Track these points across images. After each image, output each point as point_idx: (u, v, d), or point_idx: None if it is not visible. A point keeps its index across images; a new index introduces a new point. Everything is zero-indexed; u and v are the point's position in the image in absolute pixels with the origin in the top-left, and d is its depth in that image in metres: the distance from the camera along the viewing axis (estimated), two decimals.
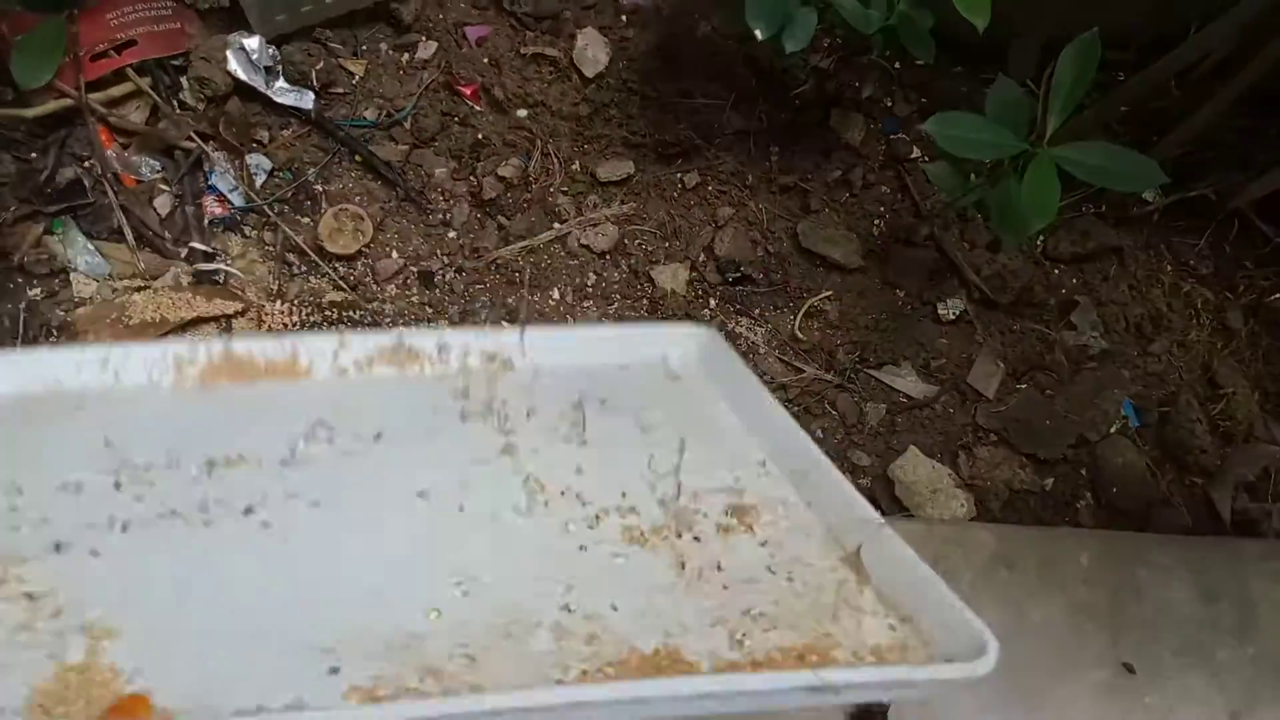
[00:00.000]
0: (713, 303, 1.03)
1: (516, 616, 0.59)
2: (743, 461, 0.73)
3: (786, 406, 1.01)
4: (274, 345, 0.78)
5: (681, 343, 0.82)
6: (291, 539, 0.63)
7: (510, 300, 0.98)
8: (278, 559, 0.63)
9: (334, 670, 0.53)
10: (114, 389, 0.75)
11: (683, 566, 0.64)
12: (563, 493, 0.68)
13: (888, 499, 0.99)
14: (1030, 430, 1.04)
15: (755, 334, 1.03)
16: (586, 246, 1.01)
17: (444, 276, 0.98)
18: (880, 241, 1.09)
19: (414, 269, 0.98)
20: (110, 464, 0.67)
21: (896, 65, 1.16)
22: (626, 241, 1.02)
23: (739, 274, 1.03)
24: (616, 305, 1.01)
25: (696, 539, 0.66)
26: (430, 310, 0.97)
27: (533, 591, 0.60)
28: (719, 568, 0.65)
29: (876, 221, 1.10)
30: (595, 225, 1.01)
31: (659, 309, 1.00)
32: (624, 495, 0.69)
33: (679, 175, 1.06)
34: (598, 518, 0.68)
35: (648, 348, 0.80)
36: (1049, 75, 0.92)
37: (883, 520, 0.68)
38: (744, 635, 0.60)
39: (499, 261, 0.99)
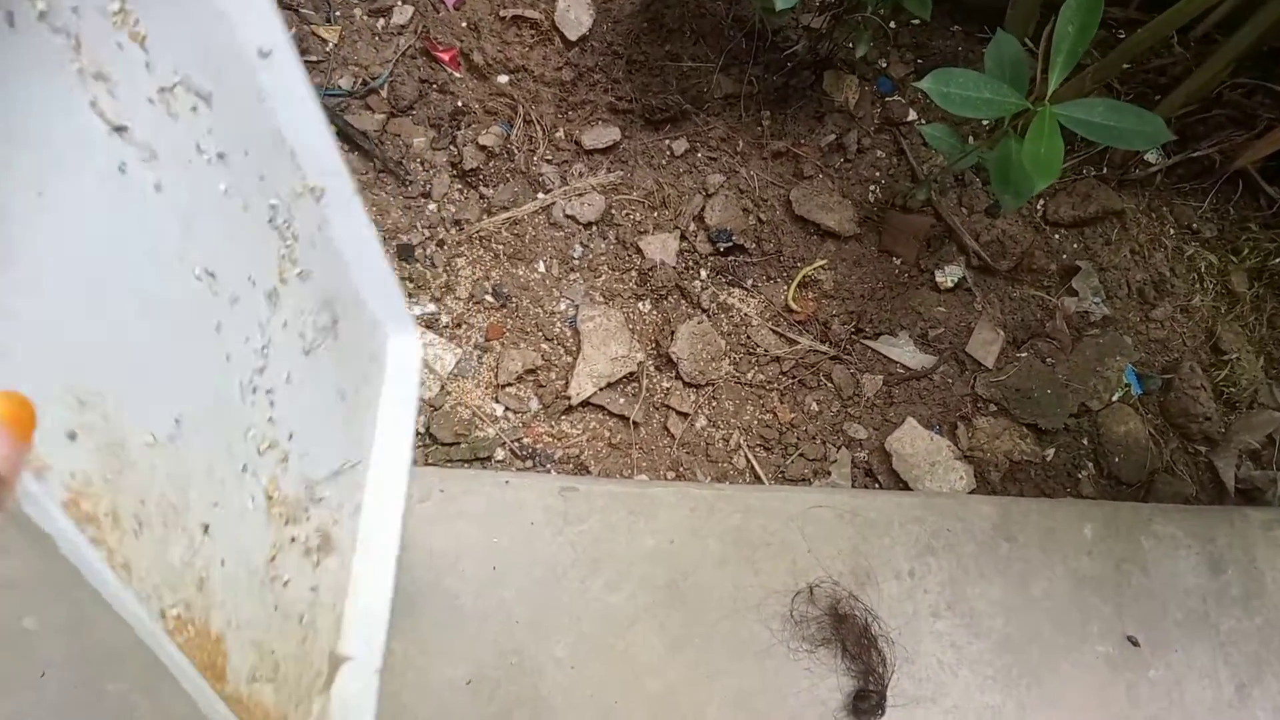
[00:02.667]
0: (703, 274, 1.00)
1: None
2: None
3: (776, 386, 0.98)
4: None
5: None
6: None
7: (494, 275, 0.95)
8: None
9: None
10: None
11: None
12: (270, 390, 0.63)
13: (886, 472, 0.96)
14: (1031, 399, 1.01)
15: (748, 305, 1.00)
16: (572, 217, 0.97)
17: (424, 250, 0.95)
18: (876, 208, 1.05)
19: (393, 243, 0.95)
20: None
21: (892, 24, 1.12)
22: (614, 211, 0.99)
23: (730, 243, 1.00)
24: (604, 278, 0.97)
25: (292, 540, 0.63)
26: (410, 285, 0.93)
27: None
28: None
29: (872, 187, 1.06)
30: (581, 195, 0.98)
31: (648, 280, 0.97)
32: (290, 438, 0.64)
33: (667, 142, 1.02)
34: (270, 445, 0.63)
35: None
36: (1049, 33, 0.88)
37: None
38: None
39: (481, 233, 0.96)
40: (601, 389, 0.92)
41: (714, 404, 0.96)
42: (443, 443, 0.87)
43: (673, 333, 0.95)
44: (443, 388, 0.90)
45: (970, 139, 0.94)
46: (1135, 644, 0.83)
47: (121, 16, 0.50)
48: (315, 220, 0.73)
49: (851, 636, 0.77)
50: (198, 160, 0.57)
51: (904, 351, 1.02)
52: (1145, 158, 1.17)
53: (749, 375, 0.98)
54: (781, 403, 0.99)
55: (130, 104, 0.50)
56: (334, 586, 0.66)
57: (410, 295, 0.93)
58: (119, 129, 0.49)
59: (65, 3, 0.46)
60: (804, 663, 0.77)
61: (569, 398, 0.91)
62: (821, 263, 1.02)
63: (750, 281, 1.01)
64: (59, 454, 0.43)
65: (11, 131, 0.43)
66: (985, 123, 1.09)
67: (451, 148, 0.97)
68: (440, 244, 0.95)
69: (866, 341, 1.01)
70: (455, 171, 0.97)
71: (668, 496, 0.79)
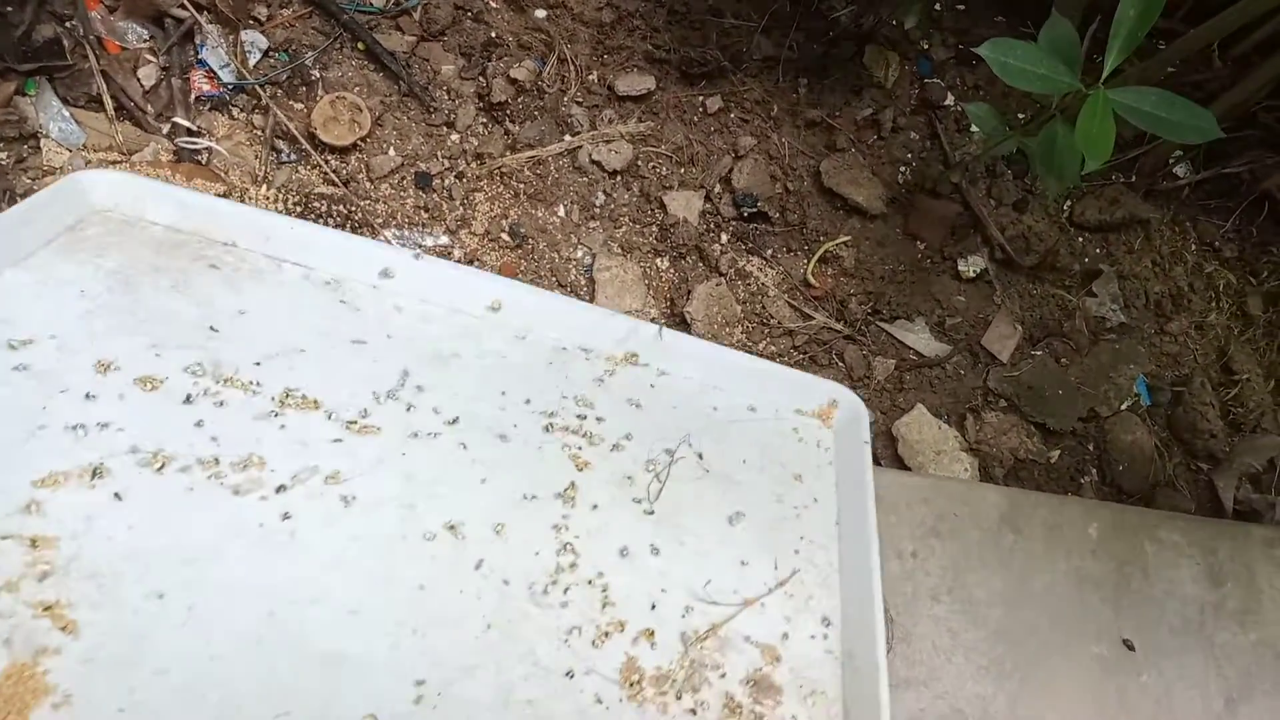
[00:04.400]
0: (724, 238, 0.98)
1: None
2: (808, 611, 0.69)
3: (786, 360, 0.96)
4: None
5: (820, 404, 0.78)
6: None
7: (512, 213, 0.92)
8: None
9: None
10: None
11: None
12: (591, 581, 0.64)
13: (890, 457, 0.94)
14: (1042, 398, 1.00)
15: (766, 275, 0.98)
16: (598, 163, 0.95)
17: (443, 180, 0.92)
18: (904, 189, 1.03)
19: (411, 169, 0.91)
20: None
21: (937, 5, 1.10)
22: (640, 163, 0.96)
23: (755, 209, 0.97)
24: (624, 229, 0.95)
25: (693, 711, 0.61)
26: (425, 214, 0.90)
27: None
28: None
29: (902, 168, 1.04)
30: (609, 142, 0.95)
31: (669, 237, 0.94)
32: (653, 608, 0.65)
33: (701, 98, 1.00)
34: (607, 633, 0.63)
35: (784, 397, 0.77)
36: (1093, 31, 0.87)
37: None
38: None
39: (503, 169, 0.93)
40: None
41: None
42: None
43: (689, 292, 0.92)
44: None
45: (1007, 129, 0.92)
46: (1130, 648, 0.82)
47: None
48: (637, 382, 0.76)
49: None
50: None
51: (919, 338, 1.00)
52: (1174, 170, 1.16)
53: (760, 345, 0.96)
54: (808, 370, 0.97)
55: None
56: None
57: (424, 225, 0.90)
58: None
59: None
60: None
61: None
62: (845, 239, 1.00)
63: (770, 251, 0.99)
64: None
65: None
66: (1021, 116, 1.07)
67: (480, 79, 0.94)
68: (460, 176, 0.92)
69: (882, 324, 0.99)
70: (482, 104, 0.94)
71: None
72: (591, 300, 0.90)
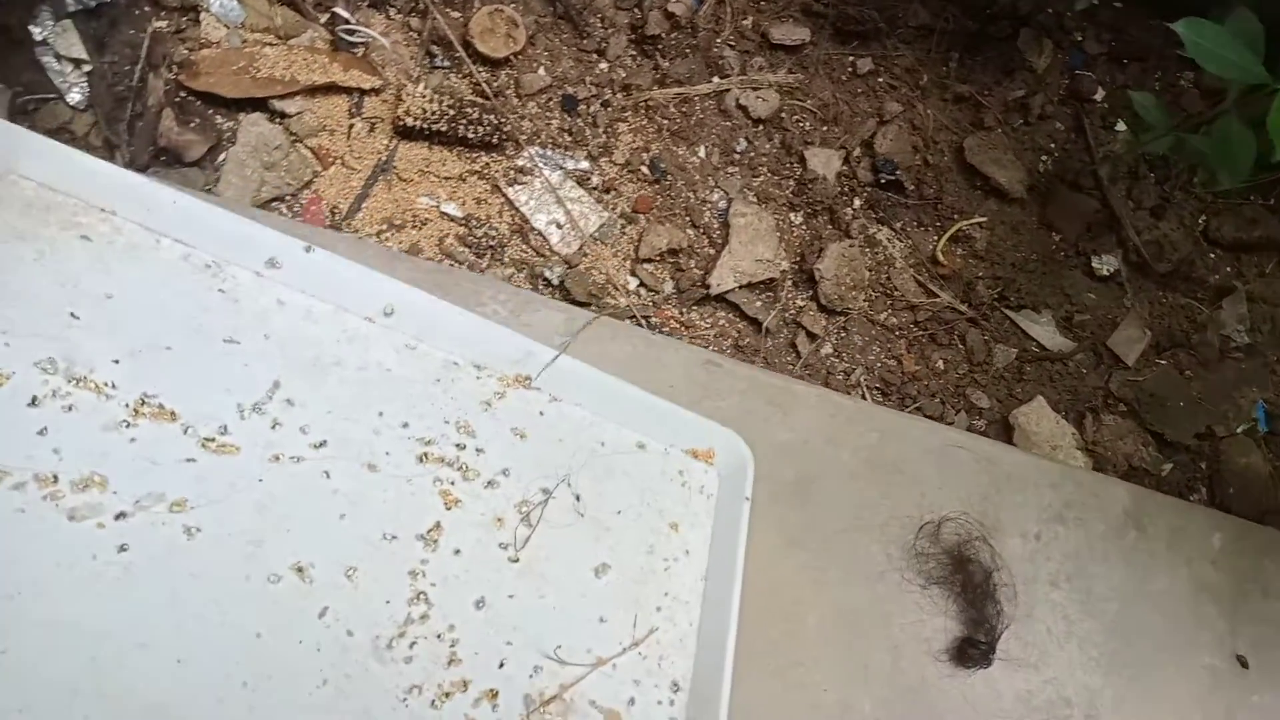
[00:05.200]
0: (857, 202, 0.96)
1: None
2: (660, 673, 0.66)
3: (906, 334, 0.94)
4: None
5: (716, 454, 0.74)
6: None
7: (654, 148, 0.91)
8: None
9: None
10: None
11: None
12: (440, 635, 0.62)
13: (1004, 443, 0.92)
14: (1163, 408, 0.97)
15: (894, 247, 0.96)
16: (744, 109, 0.93)
17: (588, 107, 0.91)
18: (1045, 179, 1.01)
19: (559, 92, 0.91)
20: None
21: (1096, 1, 1.07)
22: (784, 115, 0.95)
23: (893, 177, 0.95)
24: (762, 179, 0.93)
25: None
26: (568, 137, 0.89)
27: None
28: None
29: (1044, 157, 1.02)
30: (757, 89, 0.94)
31: (805, 192, 0.93)
32: (501, 666, 0.63)
33: (852, 58, 0.98)
34: (449, 694, 0.61)
35: (677, 437, 0.72)
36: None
37: None
38: None
39: (649, 103, 0.92)
40: (740, 287, 0.88)
41: (843, 335, 0.92)
42: (575, 300, 0.83)
43: (821, 250, 0.91)
44: (581, 247, 0.86)
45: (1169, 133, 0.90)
46: (1244, 665, 0.79)
47: None
48: (526, 409, 0.71)
49: (971, 583, 0.73)
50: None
51: (1044, 330, 0.98)
52: None
53: (881, 316, 0.94)
54: (908, 352, 0.95)
55: None
56: None
57: (566, 148, 0.89)
58: None
59: None
60: (915, 596, 0.73)
61: (708, 287, 0.87)
62: (980, 219, 0.98)
63: (900, 223, 0.97)
64: None
65: None
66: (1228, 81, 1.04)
67: (636, 10, 0.93)
68: (605, 105, 0.91)
69: (1008, 311, 0.97)
70: (635, 35, 0.93)
71: (810, 397, 0.75)
72: (725, 246, 0.88)
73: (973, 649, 0.72)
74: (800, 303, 0.91)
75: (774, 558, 0.71)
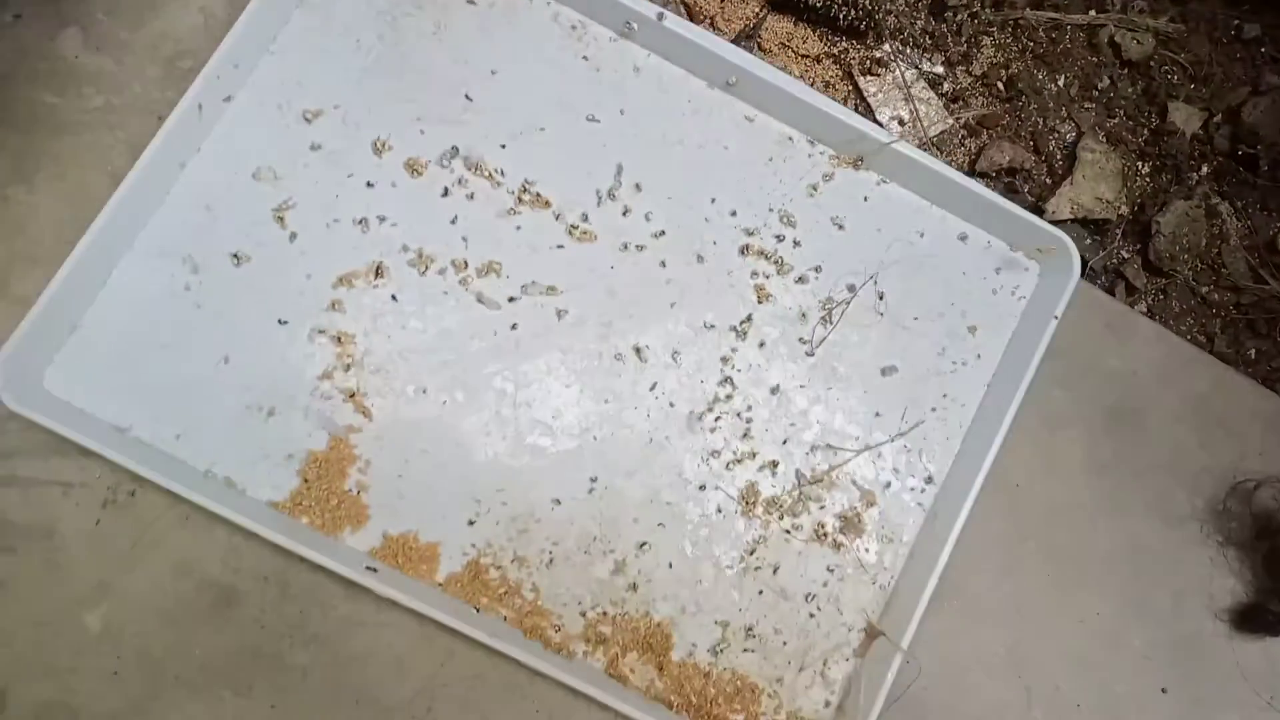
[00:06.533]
0: (1205, 169, 0.92)
1: (602, 539, 0.66)
2: (918, 466, 0.71)
3: (1223, 315, 0.90)
4: None
5: (1040, 257, 0.76)
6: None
7: (1014, 66, 0.90)
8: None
9: (471, 522, 0.67)
10: None
11: (751, 553, 0.68)
12: (740, 414, 0.70)
13: None
14: None
15: (1231, 223, 0.92)
16: (1116, 46, 0.91)
17: (955, 15, 0.91)
18: None
19: None
20: None
21: None
22: (1154, 62, 0.92)
23: (1252, 151, 0.91)
24: (1117, 121, 0.91)
25: (788, 532, 0.68)
26: (929, 40, 0.90)
27: (632, 518, 0.67)
28: (775, 570, 0.68)
29: None
30: (1133, 31, 0.91)
31: (1158, 144, 0.90)
32: (784, 443, 0.70)
33: (1238, 21, 0.93)
34: (740, 460, 0.69)
35: (1001, 232, 0.74)
36: None
37: None
38: (725, 647, 0.66)
39: (1019, 22, 0.91)
40: (1074, 220, 0.87)
41: (1161, 298, 0.89)
42: None
43: (1165, 204, 0.88)
44: (920, 143, 0.87)
45: None
46: None
47: None
48: (852, 192, 0.75)
49: (1274, 552, 0.71)
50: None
51: None
52: None
53: (1202, 290, 0.90)
54: (1221, 332, 0.91)
55: None
56: (870, 562, 0.69)
57: (926, 50, 0.90)
58: None
59: None
60: (1210, 551, 0.71)
61: (1042, 212, 0.86)
62: None
63: (1244, 201, 0.92)
64: (460, 535, 0.66)
65: None
66: None
67: None
68: (973, 16, 0.91)
69: None
70: None
71: (1149, 331, 0.74)
72: (1066, 177, 0.87)
73: (1262, 615, 0.70)
74: (1127, 254, 0.89)
75: (1077, 478, 0.71)
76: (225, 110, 0.67)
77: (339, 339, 0.66)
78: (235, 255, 0.66)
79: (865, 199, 0.73)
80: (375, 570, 0.62)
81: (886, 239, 0.72)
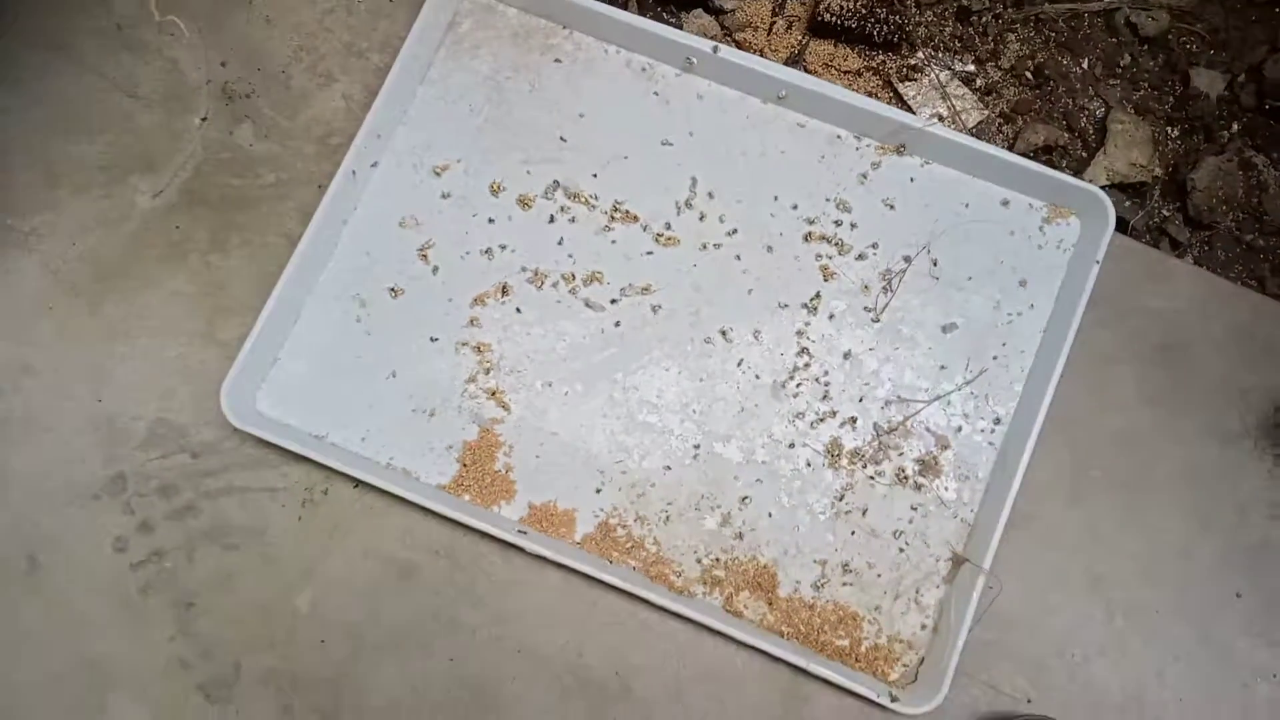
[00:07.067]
0: (1235, 126, 0.99)
1: (709, 496, 0.78)
2: (986, 409, 0.79)
3: (1272, 259, 0.96)
4: None
5: (1080, 211, 0.84)
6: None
7: (1039, 56, 1.00)
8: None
9: (598, 490, 0.79)
10: None
11: (840, 499, 0.78)
12: (818, 379, 0.80)
13: None
14: None
15: (1268, 173, 0.98)
16: (1133, 26, 1.00)
17: (980, 18, 1.01)
18: None
19: (955, 3, 1.01)
20: None
21: None
22: (1172, 35, 1.00)
23: (1278, 104, 0.98)
24: (1142, 93, 0.99)
25: (872, 478, 0.77)
26: (958, 43, 1.00)
27: (733, 476, 0.78)
28: (864, 512, 0.77)
29: None
30: (1147, 9, 1.00)
31: (1184, 107, 0.98)
32: (860, 401, 0.80)
33: None
34: (822, 419, 0.79)
35: (1041, 192, 0.83)
36: None
37: None
38: (825, 582, 0.76)
39: (1039, 16, 1.00)
40: (1111, 185, 0.95)
41: (1206, 249, 0.96)
42: None
43: (1196, 162, 0.96)
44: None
45: None
46: None
47: None
48: (899, 175, 0.86)
49: None
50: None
51: None
52: None
53: (1249, 238, 0.97)
54: (1272, 275, 0.97)
55: None
56: (950, 499, 0.78)
57: (956, 52, 1.00)
58: None
59: None
60: (1268, 465, 0.78)
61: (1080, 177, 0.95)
62: None
63: (1278, 153, 0.99)
64: (590, 501, 0.79)
65: None
66: None
67: None
68: (997, 17, 1.01)
69: None
70: None
71: (1187, 272, 0.82)
72: (1100, 148, 0.96)
73: None
74: (1167, 212, 0.97)
75: (1132, 410, 0.79)
76: (373, 174, 0.82)
77: (478, 348, 0.80)
78: (392, 289, 0.80)
79: (912, 180, 0.84)
80: (525, 534, 0.75)
81: (934, 213, 0.82)
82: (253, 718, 0.76)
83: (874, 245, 0.82)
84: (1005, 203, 0.83)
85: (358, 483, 0.78)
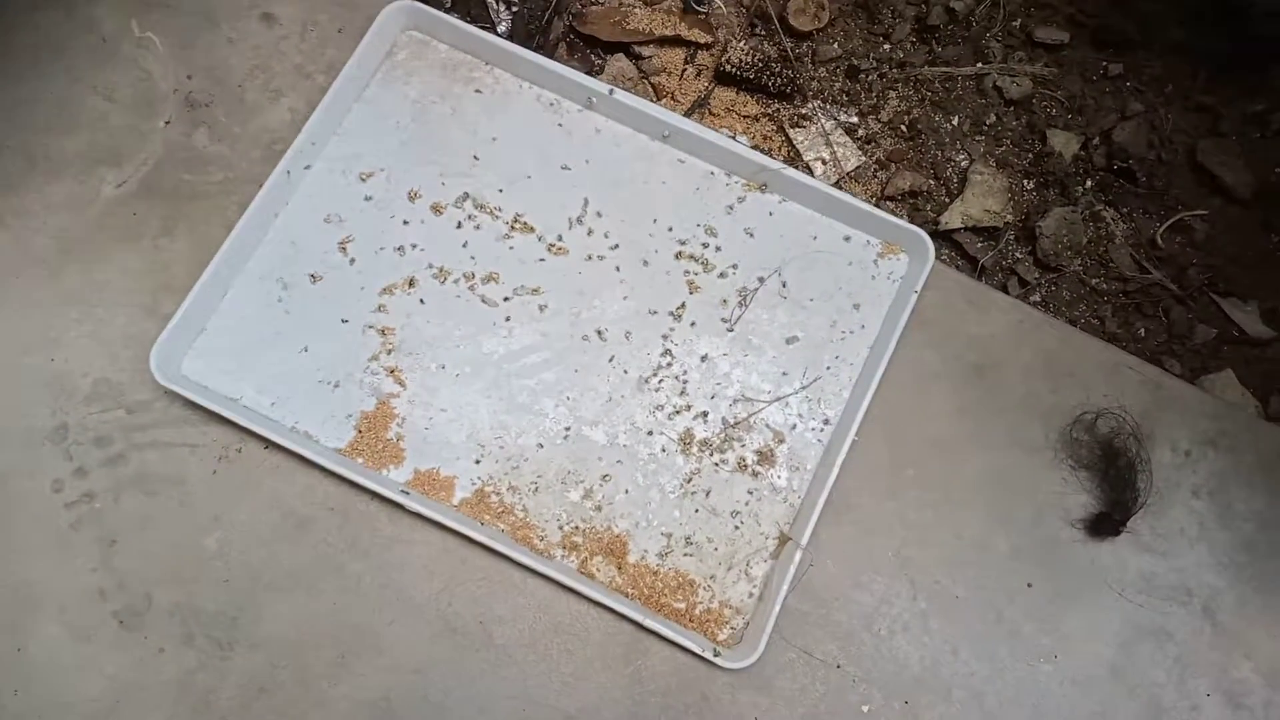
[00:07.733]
0: (1089, 183, 1.12)
1: (574, 472, 0.89)
2: (817, 411, 0.90)
3: (1113, 301, 1.07)
4: None
5: (905, 248, 0.95)
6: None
7: (915, 112, 1.13)
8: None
9: (477, 461, 0.89)
10: None
11: (688, 481, 0.89)
12: (677, 376, 0.91)
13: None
14: None
15: (1116, 226, 1.10)
16: (999, 90, 1.12)
17: (867, 76, 1.14)
18: (1274, 186, 1.11)
19: (846, 62, 1.15)
20: None
21: None
22: (1034, 100, 1.13)
23: (1125, 165, 1.10)
24: (1004, 149, 1.12)
25: (717, 465, 0.89)
26: (845, 97, 1.13)
27: (597, 456, 0.89)
28: (708, 494, 0.89)
29: (1277, 169, 1.12)
30: (1014, 76, 1.13)
31: (1041, 164, 1.10)
32: (712, 398, 0.91)
33: (1105, 62, 1.14)
34: (678, 411, 0.91)
35: (876, 231, 0.95)
36: None
37: None
38: (669, 552, 0.87)
39: (918, 78, 1.13)
40: (966, 229, 1.07)
41: (1052, 289, 1.08)
42: None
43: (1046, 211, 1.08)
44: (838, 181, 1.10)
45: None
46: None
47: None
48: (760, 209, 0.97)
49: (1115, 470, 0.88)
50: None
51: (1247, 317, 1.08)
52: None
53: (1093, 281, 1.09)
54: (1112, 316, 1.09)
55: None
56: (781, 486, 0.89)
57: (842, 104, 1.13)
58: None
59: None
60: (1063, 473, 0.89)
61: (938, 223, 1.07)
62: (1202, 212, 1.10)
63: (1128, 208, 1.11)
64: (469, 470, 0.89)
65: None
66: None
67: (923, 4, 1.15)
68: (881, 76, 1.14)
69: (1215, 296, 1.08)
70: (917, 25, 1.15)
71: (1004, 303, 0.94)
72: (960, 194, 1.08)
73: (1106, 521, 0.86)
74: (1018, 255, 1.09)
75: (947, 419, 0.90)
76: (306, 175, 0.94)
77: (383, 331, 0.91)
78: (312, 275, 0.92)
79: (770, 214, 0.96)
80: (408, 494, 0.86)
81: (787, 242, 0.94)
82: (159, 643, 0.86)
83: (734, 266, 0.94)
84: (847, 238, 0.95)
85: (268, 443, 0.88)
